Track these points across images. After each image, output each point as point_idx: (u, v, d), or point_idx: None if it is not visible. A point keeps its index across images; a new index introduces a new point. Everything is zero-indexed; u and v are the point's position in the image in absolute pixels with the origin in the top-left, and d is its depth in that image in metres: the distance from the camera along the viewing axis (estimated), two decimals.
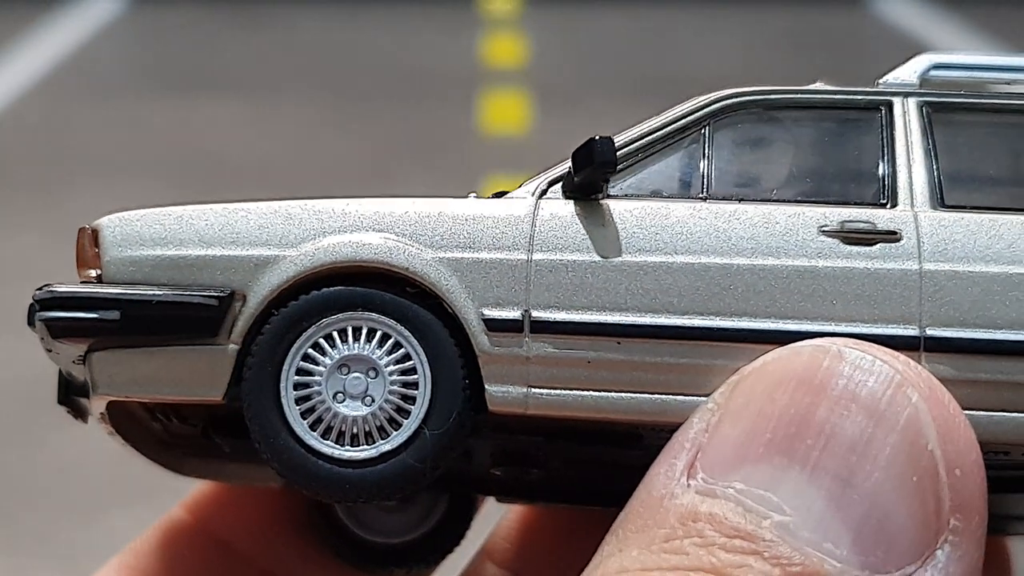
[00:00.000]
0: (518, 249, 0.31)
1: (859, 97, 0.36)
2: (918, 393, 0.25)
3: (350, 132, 3.01)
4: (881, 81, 0.37)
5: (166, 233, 0.30)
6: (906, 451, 0.24)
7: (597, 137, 0.32)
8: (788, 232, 0.31)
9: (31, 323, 0.33)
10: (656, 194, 0.33)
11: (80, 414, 0.37)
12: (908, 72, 0.37)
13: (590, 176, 0.31)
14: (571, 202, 0.32)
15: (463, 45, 3.78)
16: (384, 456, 0.29)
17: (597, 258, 0.30)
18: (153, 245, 0.30)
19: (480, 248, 0.30)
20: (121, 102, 3.33)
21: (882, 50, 3.06)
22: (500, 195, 0.35)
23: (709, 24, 4.02)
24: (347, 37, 3.93)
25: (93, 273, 0.32)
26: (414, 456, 0.29)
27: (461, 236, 0.30)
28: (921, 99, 0.36)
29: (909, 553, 0.23)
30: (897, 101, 0.36)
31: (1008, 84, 0.38)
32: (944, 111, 0.36)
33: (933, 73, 0.37)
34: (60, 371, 0.35)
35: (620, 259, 0.30)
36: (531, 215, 0.31)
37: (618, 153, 0.32)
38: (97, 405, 0.32)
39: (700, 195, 0.33)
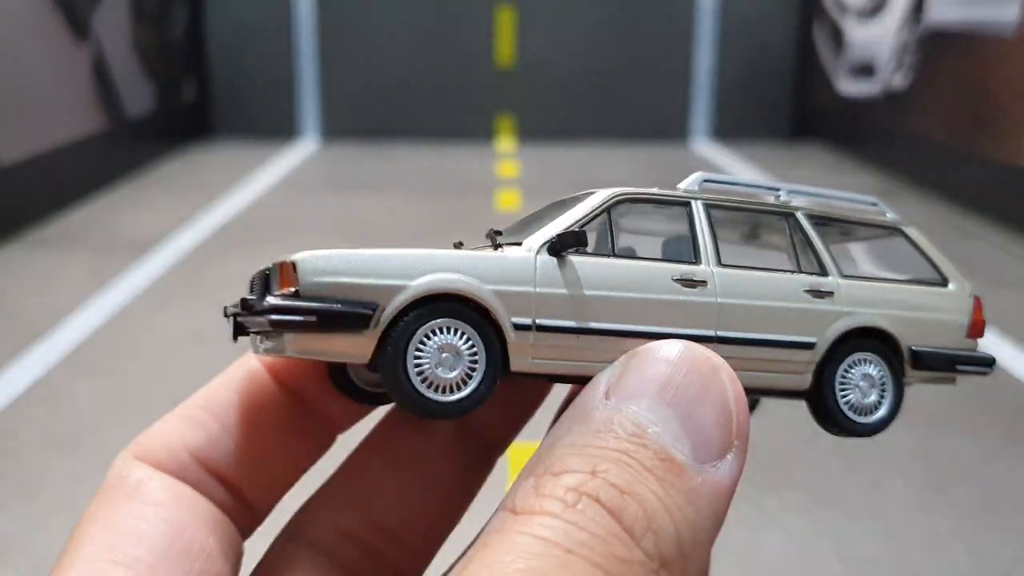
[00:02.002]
0: (529, 285, 0.42)
1: (674, 198, 0.47)
2: (724, 369, 0.35)
3: (426, 210, 4.11)
4: (679, 186, 0.48)
5: (339, 267, 0.40)
6: (719, 401, 0.34)
7: (582, 231, 0.43)
8: (656, 278, 0.44)
9: (249, 315, 0.41)
10: (587, 252, 0.43)
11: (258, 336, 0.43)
12: (690, 182, 0.48)
13: (571, 246, 0.42)
14: (553, 258, 0.42)
15: (485, 166, 5.34)
16: (461, 399, 0.41)
17: (565, 291, 0.42)
18: (331, 275, 0.39)
19: (511, 283, 0.42)
20: (316, 196, 4.64)
21: (694, 168, 5.35)
22: (497, 233, 0.47)
23: (606, 156, 5.65)
24: (427, 162, 5.46)
25: (291, 290, 0.39)
26: (475, 399, 0.41)
27: (500, 276, 0.41)
28: (702, 200, 0.47)
29: (716, 455, 0.34)
30: (692, 201, 0.47)
31: (755, 193, 0.49)
32: (714, 208, 0.47)
33: (705, 184, 0.48)
34: (236, 322, 0.43)
35: (576, 291, 0.42)
36: (533, 265, 0.42)
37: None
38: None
39: (607, 253, 0.44)
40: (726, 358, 0.37)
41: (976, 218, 4.05)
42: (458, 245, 0.47)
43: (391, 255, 0.41)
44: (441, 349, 0.41)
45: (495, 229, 0.49)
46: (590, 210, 0.47)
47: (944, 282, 0.52)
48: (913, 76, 4.86)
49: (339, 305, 0.40)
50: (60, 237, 3.68)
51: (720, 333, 0.45)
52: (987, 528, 1.76)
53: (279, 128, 6.19)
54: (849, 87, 5.64)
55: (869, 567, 1.66)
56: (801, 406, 0.48)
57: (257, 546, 0.44)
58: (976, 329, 0.51)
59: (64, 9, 4.12)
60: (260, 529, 0.44)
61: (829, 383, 0.47)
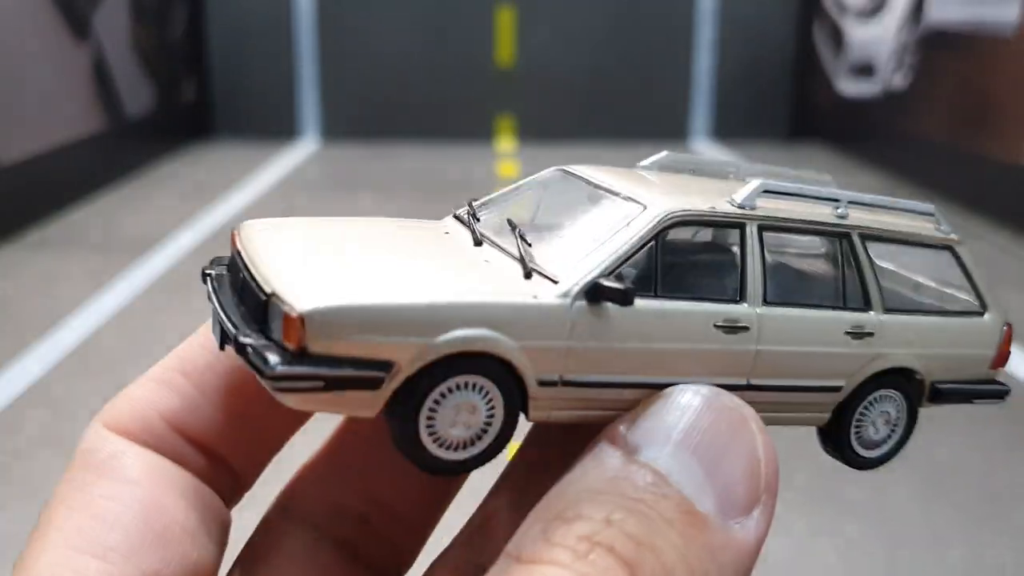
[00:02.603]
0: (562, 339, 0.36)
1: (729, 220, 0.41)
2: (752, 419, 0.34)
3: (426, 210, 4.84)
4: (736, 199, 0.42)
5: (352, 326, 0.34)
6: (747, 453, 0.32)
7: (629, 289, 0.37)
8: (697, 326, 0.39)
9: (263, 374, 0.34)
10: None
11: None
12: (748, 195, 0.42)
13: (615, 301, 0.36)
14: (589, 304, 0.37)
15: (486, 166, 5.34)
16: (470, 458, 0.37)
17: (599, 344, 0.37)
18: (344, 336, 0.34)
19: (542, 338, 0.36)
20: (315, 194, 4.70)
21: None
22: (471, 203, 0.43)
23: (606, 156, 5.89)
24: (427, 162, 5.40)
25: (295, 347, 0.34)
26: (489, 454, 0.37)
27: (531, 330, 0.36)
28: (757, 222, 0.42)
29: (743, 511, 0.31)
30: (747, 224, 0.42)
31: (814, 205, 0.44)
32: (768, 230, 0.42)
33: (764, 195, 0.43)
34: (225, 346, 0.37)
35: (611, 343, 0.37)
36: (568, 317, 0.37)
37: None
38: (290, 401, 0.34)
39: (649, 294, 0.38)
40: (750, 402, 0.35)
41: (976, 218, 4.06)
42: (471, 204, 0.45)
43: (409, 307, 0.35)
44: (458, 408, 0.37)
45: (473, 200, 0.45)
46: (638, 241, 0.39)
47: (982, 310, 0.48)
48: (913, 76, 4.87)
49: (351, 369, 0.35)
50: (60, 237, 3.69)
51: (752, 381, 0.41)
52: (987, 528, 1.77)
53: (279, 128, 6.20)
54: (849, 87, 5.64)
55: (869, 567, 1.67)
56: None
57: (246, 520, 0.43)
58: (1000, 360, 0.48)
59: (64, 9, 4.12)
60: (250, 503, 0.42)
61: (847, 419, 0.45)
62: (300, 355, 0.34)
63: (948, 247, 0.50)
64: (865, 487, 1.90)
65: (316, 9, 6.15)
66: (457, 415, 0.37)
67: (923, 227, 0.49)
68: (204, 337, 0.40)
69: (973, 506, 1.85)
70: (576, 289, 0.38)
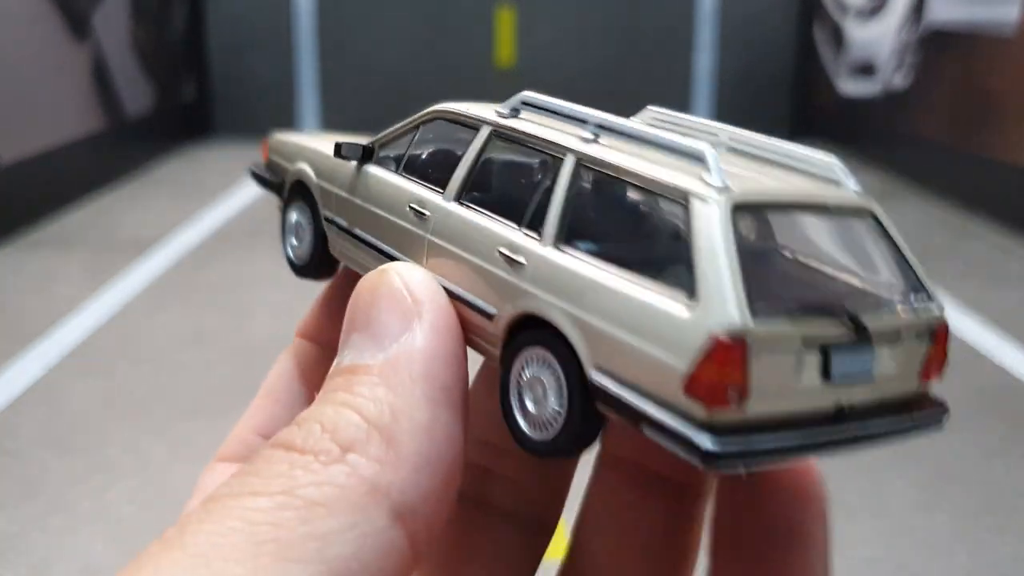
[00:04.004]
0: (335, 184, 0.44)
1: (472, 120, 0.42)
2: (392, 266, 0.36)
3: None
4: (499, 107, 0.42)
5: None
6: (387, 292, 0.34)
7: (357, 147, 0.46)
8: (396, 200, 0.42)
9: None
10: (383, 164, 0.45)
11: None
12: (510, 102, 0.42)
13: (344, 158, 0.45)
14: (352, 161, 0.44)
15: None
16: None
17: (343, 193, 0.44)
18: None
19: (328, 181, 0.44)
20: None
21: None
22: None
23: None
24: None
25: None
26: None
27: (325, 175, 0.45)
28: (492, 128, 0.42)
29: (398, 332, 0.33)
30: (481, 127, 0.42)
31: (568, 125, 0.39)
32: (500, 138, 0.41)
33: (523, 105, 0.41)
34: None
35: (349, 195, 0.46)
36: (343, 164, 0.46)
37: None
38: None
39: (392, 169, 0.44)
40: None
41: (976, 218, 4.06)
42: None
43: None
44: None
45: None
46: (402, 125, 0.45)
47: (688, 297, 0.32)
48: (913, 76, 4.89)
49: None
50: (59, 237, 3.70)
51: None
52: (987, 528, 1.77)
53: (279, 127, 6.18)
54: (849, 87, 5.65)
55: (869, 567, 1.67)
56: None
57: None
58: (700, 388, 0.30)
59: (64, 9, 4.12)
60: None
61: (504, 367, 0.38)
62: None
63: (683, 200, 0.33)
64: (866, 487, 1.90)
65: (316, 9, 6.15)
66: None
67: (682, 171, 0.34)
68: (276, 363, 0.47)
69: (974, 506, 1.85)
70: (336, 144, 0.46)
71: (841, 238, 0.37)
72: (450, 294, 0.37)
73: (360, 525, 0.29)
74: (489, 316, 0.37)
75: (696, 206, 0.33)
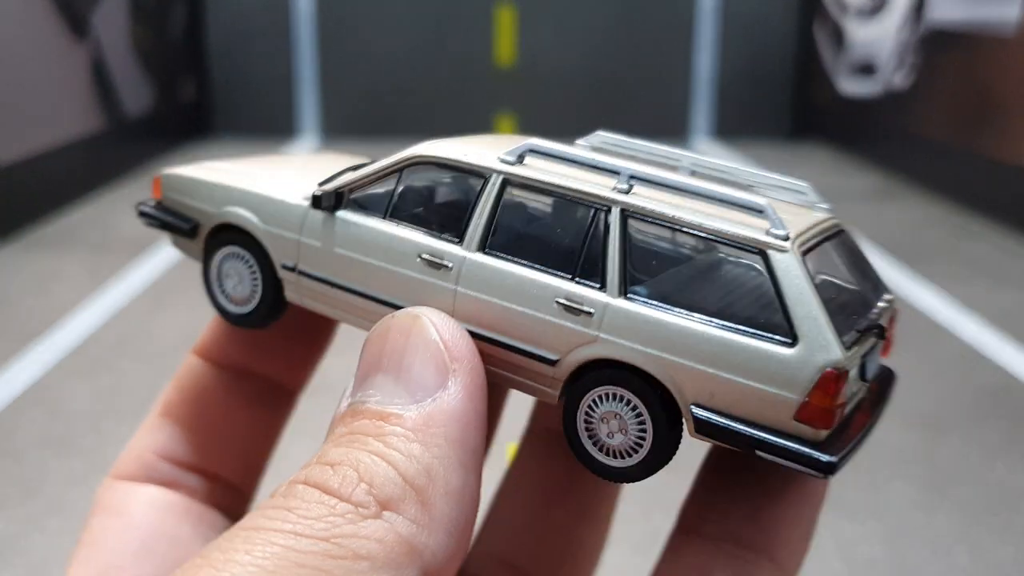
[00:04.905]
0: (295, 232, 0.43)
1: (475, 169, 0.42)
2: (425, 313, 0.36)
3: None
4: (506, 155, 0.42)
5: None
6: (423, 343, 0.35)
7: (337, 193, 0.44)
8: (404, 252, 0.42)
9: None
10: (364, 211, 0.44)
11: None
12: (513, 150, 0.42)
13: (324, 208, 0.44)
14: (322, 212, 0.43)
15: None
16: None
17: (319, 244, 0.43)
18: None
19: (281, 228, 0.42)
20: None
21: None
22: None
23: None
24: None
25: None
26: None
27: (272, 219, 0.41)
28: (504, 176, 0.42)
29: (433, 388, 0.34)
30: (492, 176, 0.42)
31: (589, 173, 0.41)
32: (515, 186, 0.42)
33: (529, 153, 0.42)
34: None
35: (329, 246, 0.44)
36: (304, 216, 0.44)
37: None
38: None
39: (380, 215, 0.43)
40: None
41: (977, 218, 4.06)
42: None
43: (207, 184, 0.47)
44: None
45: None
46: (379, 168, 0.44)
47: (790, 340, 0.37)
48: (914, 75, 4.88)
49: None
50: (59, 237, 3.70)
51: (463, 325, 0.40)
52: (987, 528, 1.77)
53: (278, 127, 6.20)
54: (850, 86, 5.64)
55: (869, 567, 1.67)
56: None
57: None
58: (814, 414, 0.36)
59: (63, 8, 4.12)
60: None
61: (573, 404, 0.41)
62: None
63: (760, 251, 0.38)
64: (866, 487, 1.90)
65: (316, 8, 6.15)
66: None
67: (742, 223, 0.39)
68: (174, 378, 0.47)
69: (974, 506, 1.85)
70: (312, 194, 0.44)
71: (835, 254, 0.42)
72: (492, 341, 0.40)
73: None
74: (551, 362, 0.40)
75: (777, 257, 0.38)
